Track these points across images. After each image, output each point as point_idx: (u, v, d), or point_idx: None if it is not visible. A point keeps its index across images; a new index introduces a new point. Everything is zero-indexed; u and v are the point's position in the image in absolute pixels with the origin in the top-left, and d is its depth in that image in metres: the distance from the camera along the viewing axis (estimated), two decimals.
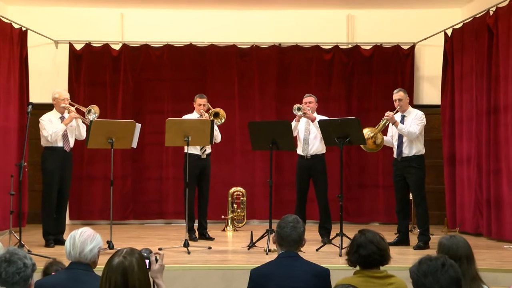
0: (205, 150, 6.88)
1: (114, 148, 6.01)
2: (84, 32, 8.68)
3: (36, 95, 7.77)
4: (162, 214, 8.69)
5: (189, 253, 5.75)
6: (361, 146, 6.35)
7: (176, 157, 8.14)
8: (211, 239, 6.85)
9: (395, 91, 6.48)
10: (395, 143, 6.40)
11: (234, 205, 8.06)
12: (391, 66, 8.78)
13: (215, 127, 6.63)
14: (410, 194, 6.48)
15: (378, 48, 8.81)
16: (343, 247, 5.53)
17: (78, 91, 8.54)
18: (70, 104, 6.39)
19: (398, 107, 6.36)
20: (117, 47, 8.75)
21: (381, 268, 2.97)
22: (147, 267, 2.60)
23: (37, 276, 3.00)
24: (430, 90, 8.82)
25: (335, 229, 6.26)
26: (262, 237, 6.08)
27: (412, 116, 6.37)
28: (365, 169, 8.74)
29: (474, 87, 7.36)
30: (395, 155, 6.44)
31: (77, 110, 6.42)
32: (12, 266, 2.48)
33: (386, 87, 8.54)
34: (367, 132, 6.29)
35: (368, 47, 8.84)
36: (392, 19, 8.84)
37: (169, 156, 8.59)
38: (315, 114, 6.54)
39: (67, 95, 6.49)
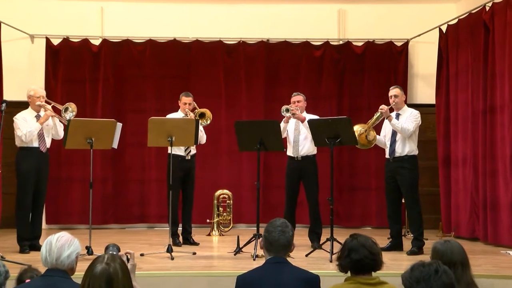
0: (190, 151, 6.87)
1: (93, 148, 5.96)
2: (62, 26, 8.62)
3: (11, 93, 7.69)
4: (144, 218, 8.66)
5: (172, 259, 5.73)
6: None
7: (159, 158, 8.11)
8: (195, 244, 6.83)
9: (391, 88, 6.55)
10: (388, 143, 6.44)
11: (220, 209, 8.05)
12: (384, 63, 8.83)
13: (200, 128, 6.63)
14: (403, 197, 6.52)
15: (370, 45, 8.85)
16: (333, 252, 5.54)
17: (55, 88, 8.48)
18: (46, 102, 6.34)
19: (394, 103, 6.40)
20: (97, 42, 8.70)
21: (373, 274, 2.98)
22: None
23: (10, 284, 2.97)
24: (424, 89, 8.89)
25: (325, 234, 6.28)
26: (249, 242, 6.08)
27: (407, 114, 6.42)
28: (357, 171, 8.77)
29: (470, 85, 7.42)
30: (387, 155, 6.47)
31: (54, 108, 6.37)
32: None
33: (379, 85, 8.62)
34: (358, 128, 6.32)
35: (360, 44, 8.88)
36: (385, 15, 8.89)
37: (151, 157, 8.56)
38: (304, 114, 6.56)
39: (43, 93, 6.44)
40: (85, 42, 8.65)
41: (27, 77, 8.36)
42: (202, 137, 6.83)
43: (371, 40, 8.86)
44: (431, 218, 8.10)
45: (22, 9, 8.58)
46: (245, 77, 8.80)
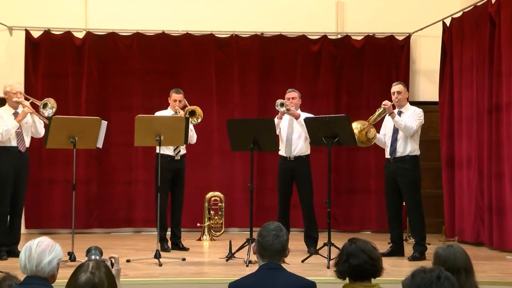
0: (179, 150, 6.87)
1: (76, 148, 5.96)
2: (43, 17, 8.58)
3: None
4: (130, 222, 8.65)
5: (160, 265, 5.73)
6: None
7: (147, 158, 8.10)
8: (185, 249, 6.84)
9: (394, 84, 6.60)
10: (388, 141, 6.45)
11: (211, 212, 8.05)
12: (384, 58, 8.85)
13: (191, 127, 6.63)
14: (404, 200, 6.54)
15: (370, 39, 8.87)
16: (331, 258, 5.55)
17: (35, 83, 8.45)
18: (25, 98, 6.31)
19: (396, 100, 6.42)
20: (80, 35, 8.68)
21: (373, 280, 2.99)
22: None
23: None
24: (427, 86, 8.91)
25: (322, 238, 6.28)
26: (242, 247, 6.08)
27: (410, 112, 6.45)
28: (356, 171, 8.79)
29: (475, 82, 7.45)
30: (387, 155, 6.49)
31: (33, 105, 6.34)
32: None
33: (379, 81, 8.64)
34: (358, 125, 6.33)
35: (359, 38, 8.89)
36: (386, 7, 8.91)
37: (138, 157, 8.55)
38: (298, 111, 6.57)
39: (21, 88, 6.41)
40: (68, 34, 8.61)
41: (5, 72, 8.30)
42: (193, 136, 6.83)
43: (371, 34, 8.87)
44: (434, 222, 8.14)
45: None
46: (238, 72, 8.79)
